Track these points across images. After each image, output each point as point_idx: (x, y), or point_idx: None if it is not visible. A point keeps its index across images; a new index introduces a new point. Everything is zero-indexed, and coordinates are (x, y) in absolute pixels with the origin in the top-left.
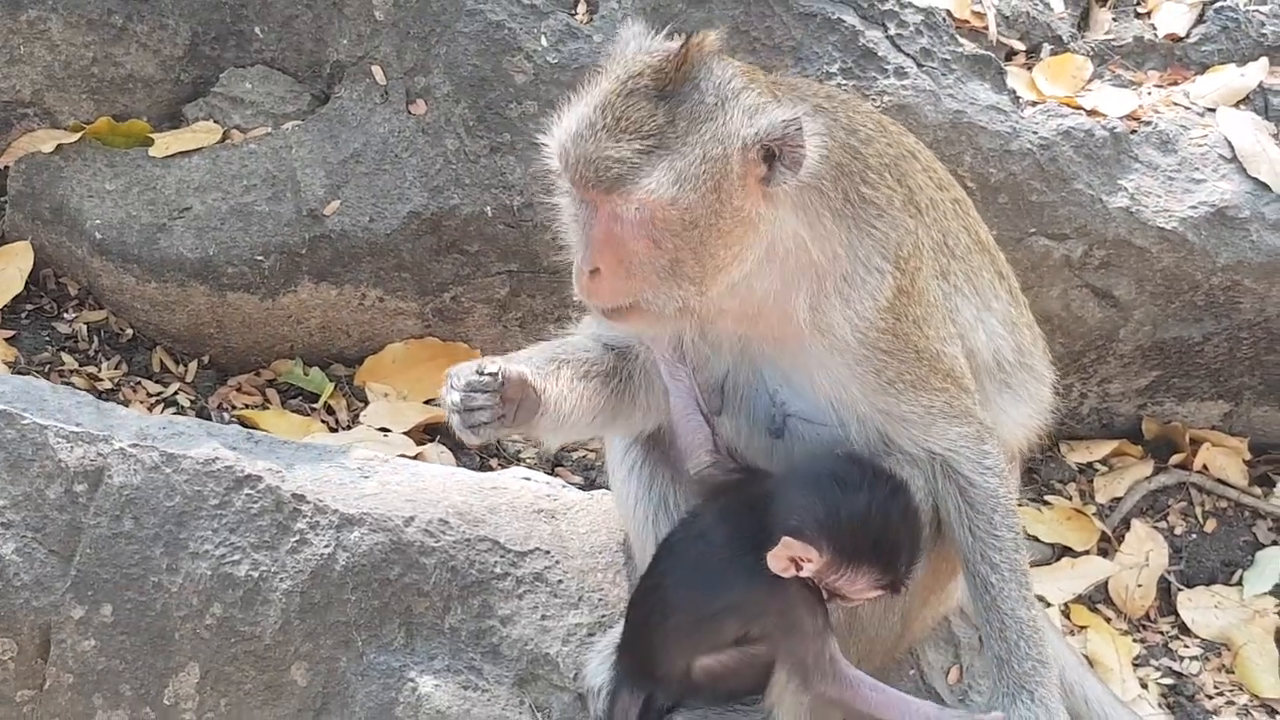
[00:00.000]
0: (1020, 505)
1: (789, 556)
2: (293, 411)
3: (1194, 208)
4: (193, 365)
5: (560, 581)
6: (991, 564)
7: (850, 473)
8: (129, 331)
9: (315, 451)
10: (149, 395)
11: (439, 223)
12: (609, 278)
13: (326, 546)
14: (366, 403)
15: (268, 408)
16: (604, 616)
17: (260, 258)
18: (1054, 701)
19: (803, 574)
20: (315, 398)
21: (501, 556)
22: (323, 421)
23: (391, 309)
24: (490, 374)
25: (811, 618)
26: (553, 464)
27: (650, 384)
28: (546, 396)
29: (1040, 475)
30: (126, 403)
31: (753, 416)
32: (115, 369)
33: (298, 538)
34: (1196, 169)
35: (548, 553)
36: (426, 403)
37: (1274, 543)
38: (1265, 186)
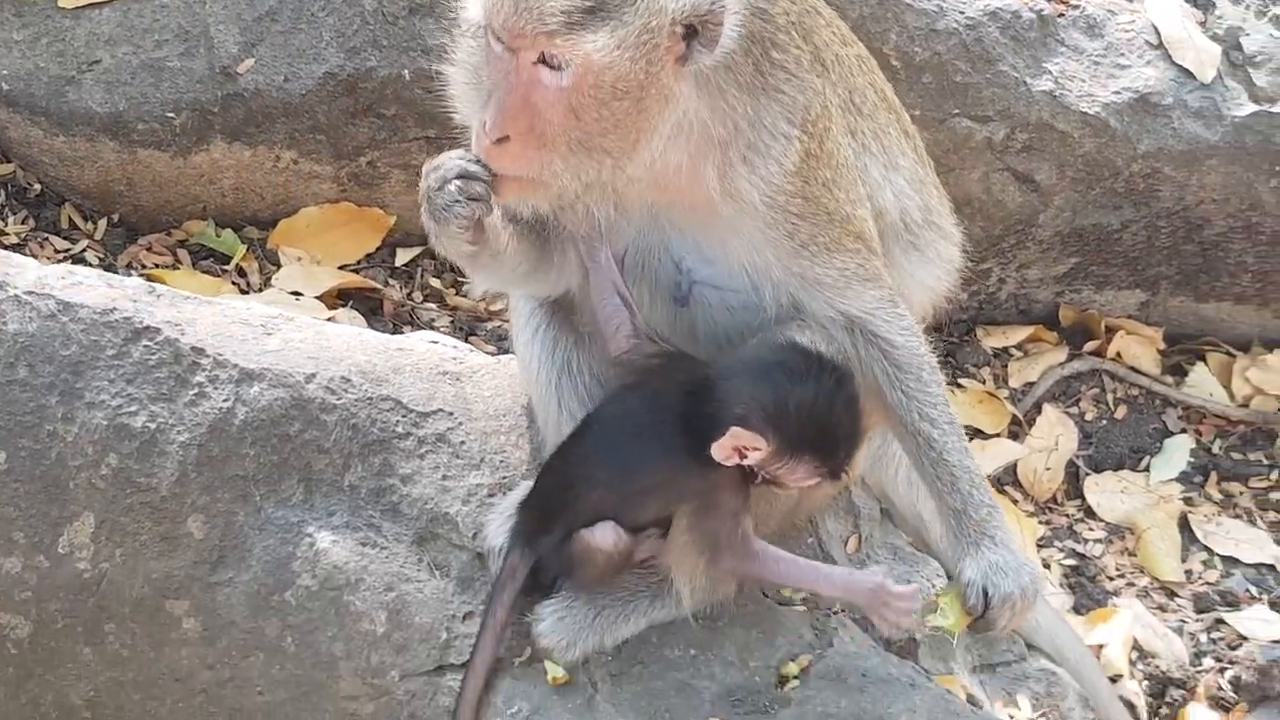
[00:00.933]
0: None
1: (735, 446)
2: (203, 273)
3: (1118, 93)
4: (102, 223)
5: (462, 443)
6: (930, 420)
7: (797, 362)
8: (37, 186)
9: (218, 307)
10: (56, 252)
11: (355, 85)
12: (518, 146)
13: (225, 400)
14: (279, 266)
15: (178, 268)
16: (505, 478)
17: (171, 115)
18: (1014, 542)
19: (745, 462)
20: (227, 260)
21: (404, 416)
22: (234, 284)
23: (306, 172)
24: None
25: (733, 499)
26: (466, 333)
27: (564, 248)
28: (488, 223)
29: (955, 359)
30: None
31: (656, 285)
32: (22, 224)
33: (196, 391)
34: (1122, 54)
35: (451, 414)
36: (340, 268)
37: (1183, 431)
38: (1189, 74)
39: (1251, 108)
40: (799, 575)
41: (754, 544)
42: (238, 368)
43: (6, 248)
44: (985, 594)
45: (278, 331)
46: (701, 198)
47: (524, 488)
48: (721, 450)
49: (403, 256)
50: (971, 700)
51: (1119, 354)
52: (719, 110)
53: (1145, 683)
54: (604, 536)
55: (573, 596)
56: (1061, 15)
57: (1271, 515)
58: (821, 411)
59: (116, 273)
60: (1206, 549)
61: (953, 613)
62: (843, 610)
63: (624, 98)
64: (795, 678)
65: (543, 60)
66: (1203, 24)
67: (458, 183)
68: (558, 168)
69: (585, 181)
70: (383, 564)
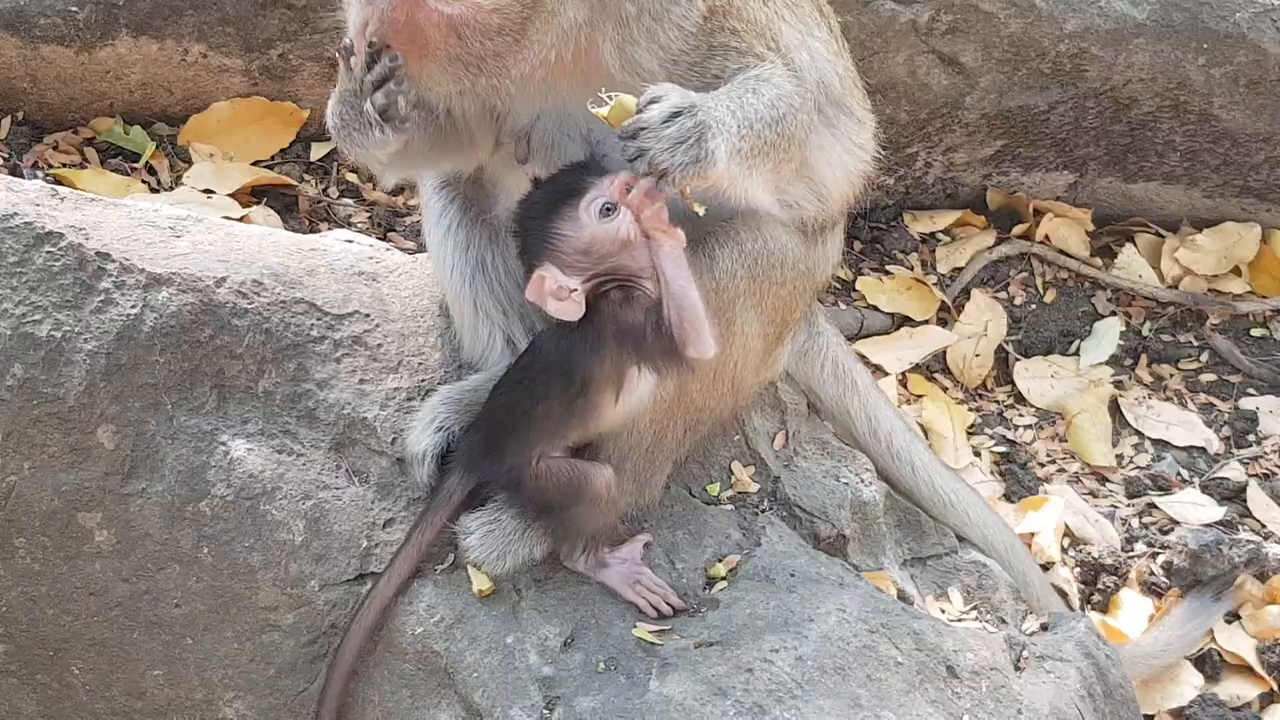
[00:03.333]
0: (860, 275)
1: (546, 296)
2: (112, 171)
3: None
4: (5, 121)
5: (379, 345)
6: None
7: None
8: None
9: (124, 210)
10: None
11: None
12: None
13: (133, 307)
14: (190, 163)
15: (86, 167)
16: (423, 381)
17: (74, 8)
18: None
19: (577, 291)
20: (136, 157)
21: (318, 319)
22: (143, 182)
23: (216, 66)
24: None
25: (630, 314)
26: (385, 229)
27: (469, 125)
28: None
29: (882, 245)
30: None
31: (564, 161)
32: None
33: (102, 297)
34: None
35: (367, 315)
36: (253, 164)
37: (1112, 314)
38: None
39: None
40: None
41: (668, 320)
42: (145, 272)
43: None
44: (654, 102)
45: (186, 234)
46: (600, 74)
47: (443, 391)
48: (553, 311)
49: (317, 151)
50: (902, 596)
51: (1047, 237)
52: None
53: (1077, 569)
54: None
55: (500, 509)
56: None
57: (1202, 398)
58: (518, 210)
59: (22, 172)
60: (1137, 433)
61: (616, 110)
62: (770, 509)
63: (506, 28)
64: (723, 579)
65: None
66: None
67: (382, 93)
68: (437, 76)
69: (468, 87)
70: (299, 471)
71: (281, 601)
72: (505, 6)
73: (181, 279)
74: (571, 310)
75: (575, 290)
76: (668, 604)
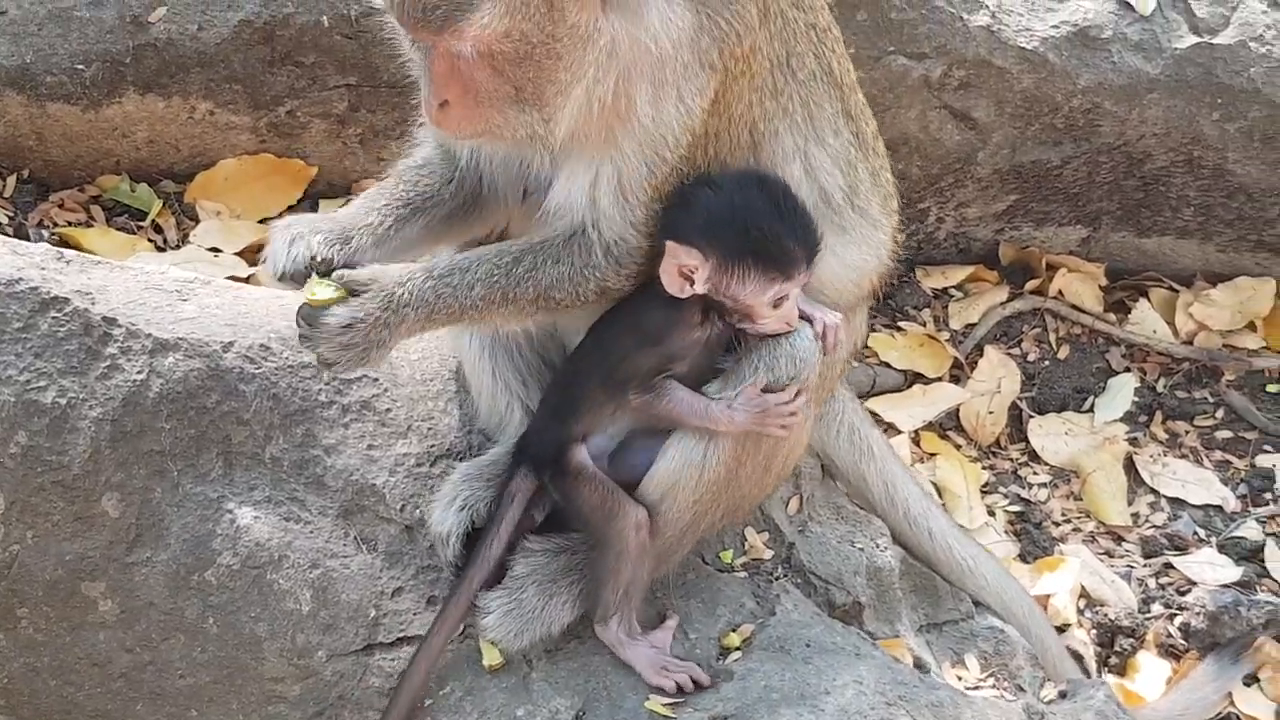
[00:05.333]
0: (873, 332)
1: (676, 267)
2: (118, 230)
3: (1056, 27)
4: (11, 180)
5: (388, 410)
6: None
7: (717, 178)
8: None
9: (130, 273)
10: None
11: (272, 32)
12: (458, 108)
13: (139, 373)
14: (197, 221)
15: (92, 225)
16: (433, 446)
17: (81, 66)
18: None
19: (697, 288)
20: (143, 215)
21: (326, 384)
22: (150, 240)
23: (223, 123)
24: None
25: (676, 340)
26: None
27: (496, 192)
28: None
29: (894, 301)
30: None
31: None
32: None
33: (108, 363)
34: None
35: (375, 380)
36: (261, 221)
37: (1126, 369)
38: (1128, 6)
39: (1192, 40)
40: (693, 416)
41: (665, 386)
42: (151, 337)
43: None
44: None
45: (194, 297)
46: (634, 123)
47: (462, 468)
48: (667, 276)
49: (325, 208)
50: (918, 664)
51: (1061, 292)
52: (666, 21)
53: (1094, 631)
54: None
55: (519, 586)
56: None
57: (1217, 454)
58: (745, 209)
59: (28, 232)
60: (1153, 491)
61: (321, 290)
62: (785, 576)
63: (534, 51)
64: (737, 649)
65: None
66: None
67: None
68: (499, 123)
69: (527, 135)
70: (307, 539)
71: (288, 673)
72: (513, 25)
73: (188, 344)
74: (677, 288)
75: (697, 285)
76: (693, 681)
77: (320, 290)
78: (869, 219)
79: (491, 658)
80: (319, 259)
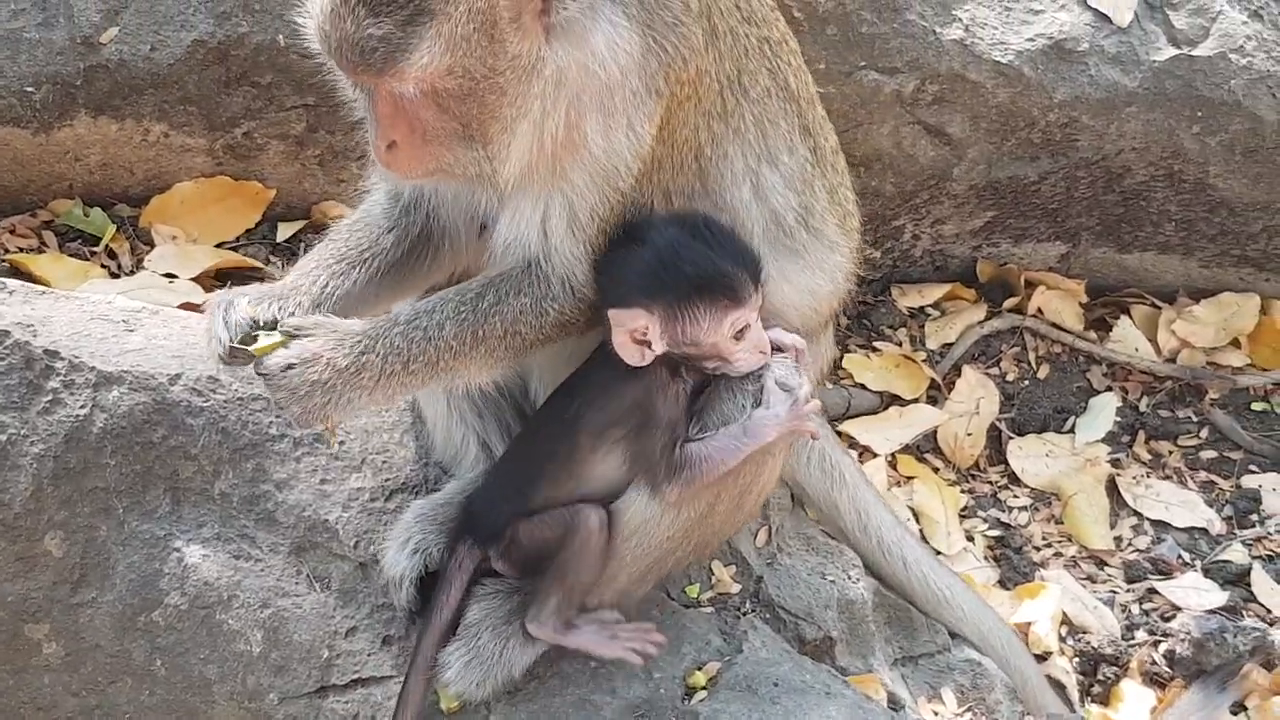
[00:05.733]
0: (847, 352)
1: (628, 335)
2: (71, 255)
3: (1031, 40)
4: None
5: (342, 443)
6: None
7: (632, 231)
8: None
9: (76, 303)
10: None
11: (227, 52)
12: (406, 148)
13: (83, 407)
14: (152, 246)
15: (44, 251)
16: (388, 480)
17: (31, 89)
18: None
19: (656, 348)
20: (96, 241)
21: (278, 417)
22: (103, 266)
23: (178, 145)
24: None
25: (668, 407)
26: None
27: (448, 232)
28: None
29: (870, 321)
30: None
31: None
32: None
33: (50, 398)
34: None
35: None
36: (218, 246)
37: (1108, 389)
38: (1105, 18)
39: (1171, 51)
40: (732, 453)
41: (688, 452)
42: (95, 370)
43: None
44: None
45: (140, 328)
46: (572, 160)
47: (416, 507)
48: (622, 348)
49: (284, 232)
50: (893, 700)
51: (1040, 310)
52: (613, 45)
53: (1076, 660)
54: (592, 518)
55: (474, 634)
56: None
57: (1202, 475)
58: (670, 250)
59: None
60: (1136, 513)
61: (265, 337)
62: (753, 611)
63: (478, 86)
64: (703, 688)
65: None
66: None
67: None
68: (448, 160)
69: (476, 173)
70: (257, 578)
71: (239, 716)
72: (455, 61)
73: (133, 377)
74: (638, 356)
75: (655, 345)
76: (652, 644)
77: (263, 338)
78: (824, 240)
79: (449, 702)
80: (261, 321)
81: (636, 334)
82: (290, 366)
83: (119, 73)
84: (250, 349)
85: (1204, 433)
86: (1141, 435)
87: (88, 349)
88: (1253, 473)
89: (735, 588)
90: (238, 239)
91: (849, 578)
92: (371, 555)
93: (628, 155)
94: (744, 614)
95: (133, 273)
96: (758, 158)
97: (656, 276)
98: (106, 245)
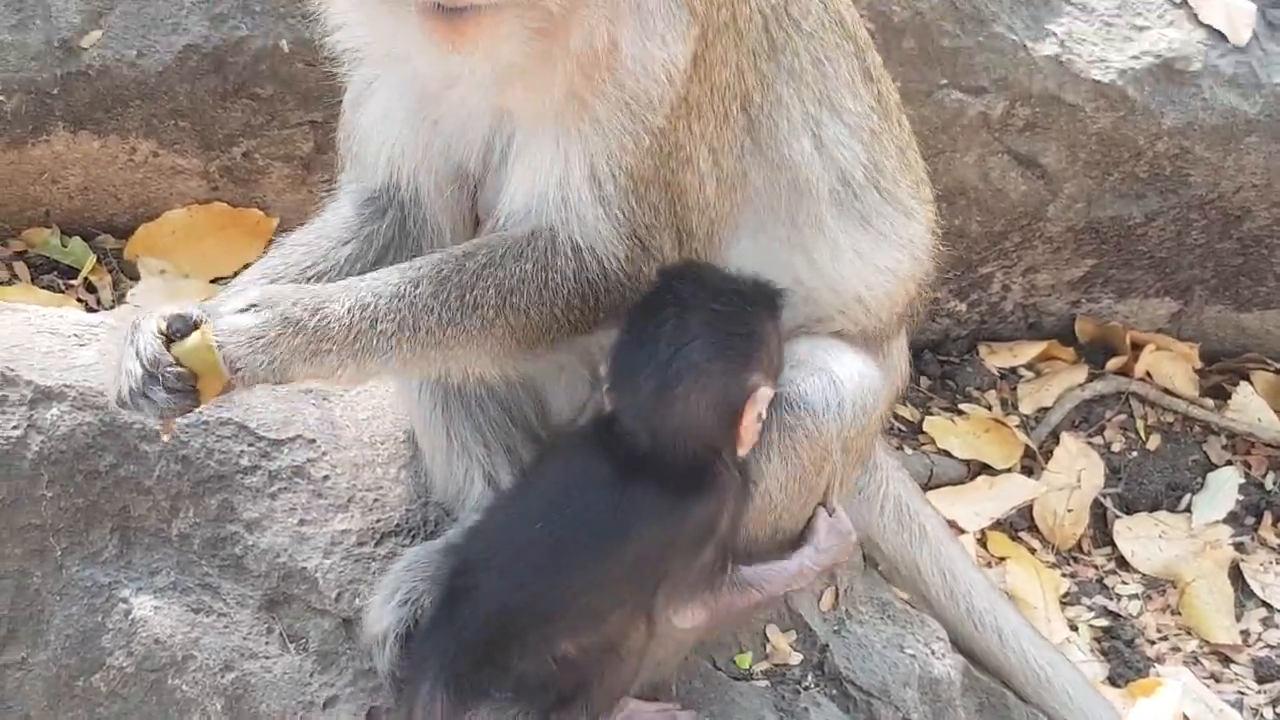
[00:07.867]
0: (929, 415)
1: (759, 414)
2: (44, 289)
3: (1135, 58)
4: None
5: (325, 477)
6: None
7: (665, 313)
8: None
9: (23, 315)
10: None
11: (223, 59)
12: (485, 16)
13: (15, 428)
14: (138, 279)
15: (15, 283)
16: (379, 521)
17: (1, 98)
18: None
19: (763, 415)
20: (75, 273)
21: (250, 445)
22: (80, 300)
23: (169, 167)
24: None
25: (732, 512)
26: None
27: (427, 240)
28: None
29: (954, 381)
30: None
31: None
32: None
33: None
34: (1139, 13)
35: (312, 441)
36: (213, 281)
37: (1228, 463)
38: (1220, 35)
39: None
40: (779, 586)
41: (741, 576)
42: (32, 385)
43: None
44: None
45: (95, 341)
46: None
47: (410, 555)
48: (749, 431)
49: None
50: None
51: (1148, 373)
52: None
53: None
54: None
55: None
56: None
57: None
58: (739, 307)
59: None
60: (1265, 604)
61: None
62: (816, 686)
63: None
64: None
65: None
66: None
67: None
68: (510, 49)
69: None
70: (220, 636)
71: None
72: None
73: (77, 393)
74: (757, 433)
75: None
76: None
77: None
78: (899, 205)
79: None
80: (171, 329)
81: (762, 411)
82: (250, 308)
83: (101, 81)
84: (181, 347)
85: None
86: (1268, 516)
87: (26, 362)
88: None
89: (795, 658)
90: (236, 273)
91: (932, 652)
92: (356, 610)
93: (660, 74)
94: (805, 689)
95: (112, 307)
96: (818, 102)
97: (751, 339)
98: (85, 278)
